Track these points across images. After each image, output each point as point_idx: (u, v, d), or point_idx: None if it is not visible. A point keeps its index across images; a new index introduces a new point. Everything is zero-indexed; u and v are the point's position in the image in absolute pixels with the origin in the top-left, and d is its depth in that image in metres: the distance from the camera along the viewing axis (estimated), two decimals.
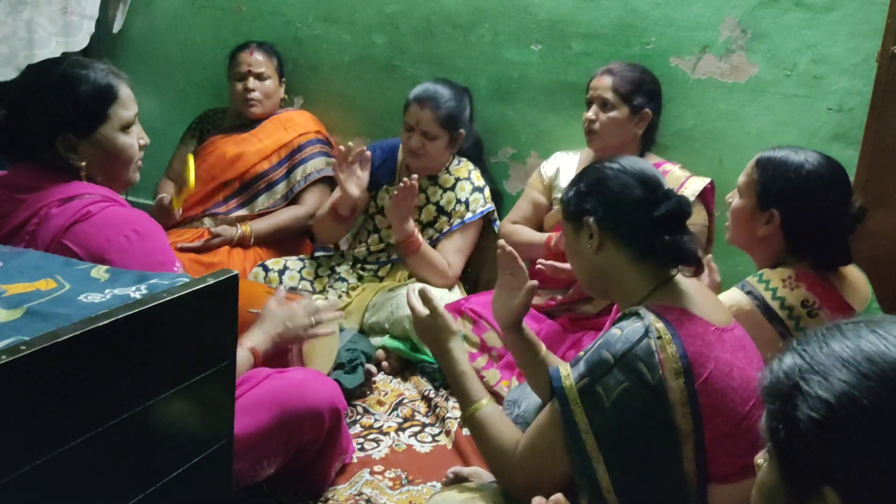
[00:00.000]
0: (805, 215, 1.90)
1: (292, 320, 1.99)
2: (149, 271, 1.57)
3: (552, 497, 1.31)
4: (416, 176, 2.70)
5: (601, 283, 1.64)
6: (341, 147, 2.79)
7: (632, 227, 1.57)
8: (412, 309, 1.79)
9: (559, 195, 2.81)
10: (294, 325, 1.99)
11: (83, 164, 1.74)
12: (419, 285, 2.75)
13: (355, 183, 2.78)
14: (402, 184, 2.68)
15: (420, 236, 2.79)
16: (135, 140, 1.82)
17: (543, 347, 1.87)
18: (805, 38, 2.60)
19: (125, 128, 1.79)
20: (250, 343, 1.89)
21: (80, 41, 3.20)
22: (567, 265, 2.54)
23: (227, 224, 3.10)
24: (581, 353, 1.53)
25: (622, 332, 1.48)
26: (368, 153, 2.79)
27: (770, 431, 0.98)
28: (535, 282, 1.82)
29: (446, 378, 1.76)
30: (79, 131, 1.73)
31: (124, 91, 1.79)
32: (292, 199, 3.20)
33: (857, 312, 1.91)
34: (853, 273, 2.00)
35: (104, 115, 1.75)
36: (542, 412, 1.55)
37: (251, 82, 3.19)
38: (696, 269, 1.58)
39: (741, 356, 1.52)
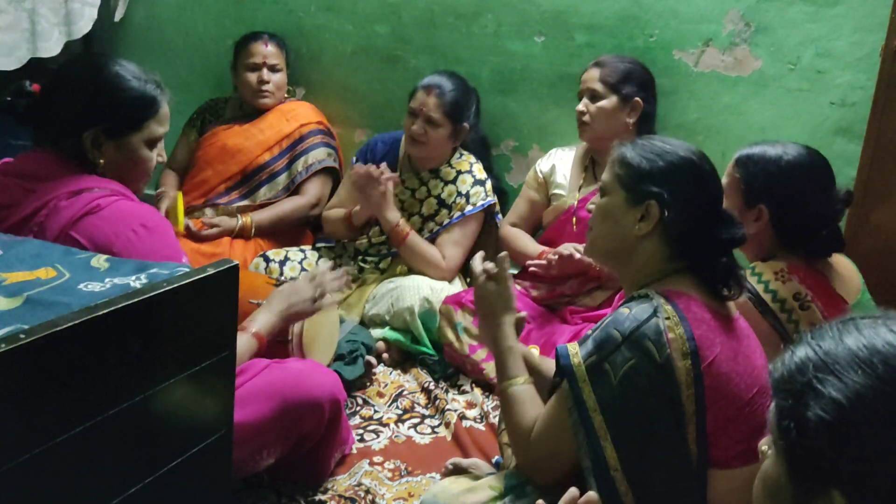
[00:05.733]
0: (792, 205, 1.90)
1: (298, 294, 1.98)
2: None
3: (586, 494, 1.29)
4: (384, 165, 2.74)
5: (620, 259, 1.62)
6: (361, 170, 2.75)
7: (690, 235, 1.55)
8: (475, 271, 1.77)
9: (556, 191, 2.83)
10: (299, 298, 1.97)
11: (101, 161, 1.76)
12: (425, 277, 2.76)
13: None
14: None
15: (407, 227, 2.80)
16: (155, 156, 1.84)
17: (536, 357, 1.86)
18: (809, 32, 2.59)
19: (152, 143, 1.81)
20: (255, 327, 1.89)
21: (81, 28, 3.19)
22: (553, 254, 2.58)
23: (227, 215, 3.10)
24: (589, 332, 1.54)
25: (630, 311, 1.48)
26: (396, 176, 2.79)
27: (779, 429, 0.96)
28: (524, 313, 1.82)
29: (491, 349, 1.76)
30: (110, 131, 1.75)
31: (164, 109, 1.82)
32: (294, 189, 3.19)
33: (850, 304, 1.93)
34: (844, 264, 2.01)
35: (139, 125, 1.77)
36: (553, 394, 1.56)
37: (266, 74, 3.18)
38: (737, 294, 1.57)
39: (745, 344, 1.54)
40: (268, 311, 1.93)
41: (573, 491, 1.28)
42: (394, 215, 2.79)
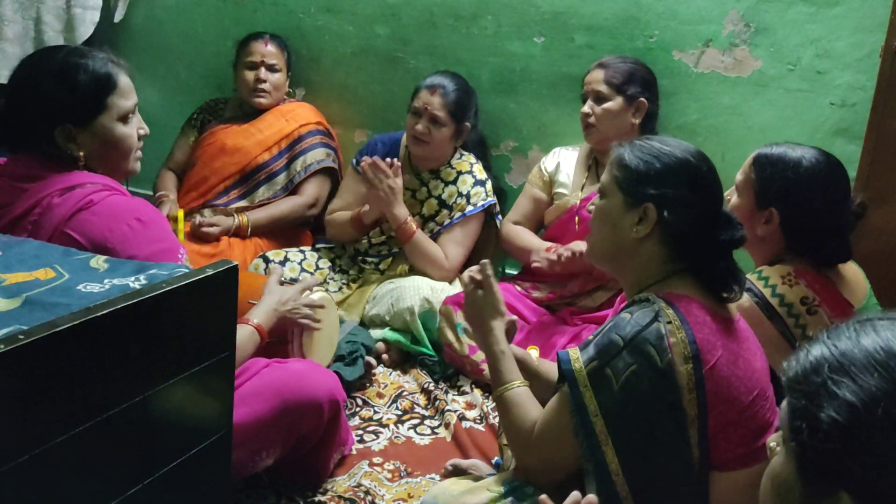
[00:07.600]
0: (804, 213, 1.87)
1: (295, 301, 2.01)
2: (153, 258, 1.57)
3: (586, 497, 1.29)
4: (393, 158, 2.75)
5: (619, 261, 1.61)
6: (370, 161, 2.76)
7: (689, 237, 1.54)
8: (463, 281, 1.77)
9: (559, 190, 2.83)
10: (292, 300, 2.01)
11: (81, 154, 1.72)
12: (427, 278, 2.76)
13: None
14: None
15: (414, 224, 2.80)
16: (134, 130, 1.79)
17: (534, 361, 1.87)
18: (809, 33, 2.59)
19: (124, 118, 1.76)
20: (255, 320, 1.89)
21: (83, 33, 3.20)
22: (565, 250, 2.58)
23: (224, 215, 3.09)
24: (590, 337, 1.54)
25: (632, 316, 1.48)
26: (398, 163, 2.78)
27: (791, 428, 0.95)
28: (514, 317, 1.81)
29: (484, 354, 1.76)
30: (77, 121, 1.70)
31: (123, 80, 1.76)
32: (292, 189, 3.19)
33: (856, 309, 1.91)
34: (851, 269, 1.99)
35: (103, 105, 1.72)
36: (554, 396, 1.56)
37: (263, 73, 3.18)
38: (737, 295, 1.56)
39: (746, 347, 1.53)
40: (266, 305, 1.95)
41: (576, 495, 1.28)
42: (402, 211, 2.79)
